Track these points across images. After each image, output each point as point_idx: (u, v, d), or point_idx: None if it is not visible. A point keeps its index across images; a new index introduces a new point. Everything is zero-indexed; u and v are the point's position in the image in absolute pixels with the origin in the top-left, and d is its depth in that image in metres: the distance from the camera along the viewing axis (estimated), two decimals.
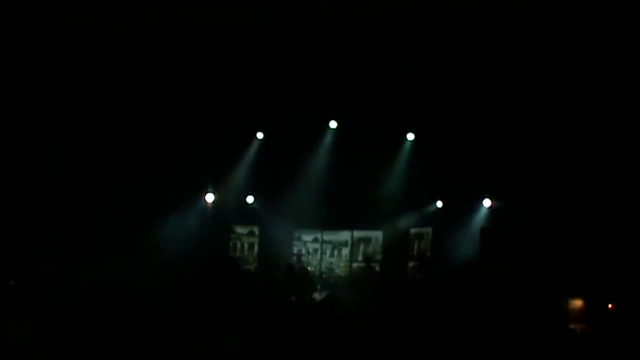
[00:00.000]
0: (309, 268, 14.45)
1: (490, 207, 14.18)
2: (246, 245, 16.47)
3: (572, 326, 8.97)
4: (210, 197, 15.41)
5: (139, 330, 3.96)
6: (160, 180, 13.65)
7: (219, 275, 3.08)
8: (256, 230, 16.34)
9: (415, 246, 15.41)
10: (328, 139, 15.69)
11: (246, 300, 3.59)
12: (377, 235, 16.10)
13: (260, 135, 15.75)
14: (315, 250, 16.21)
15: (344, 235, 16.42)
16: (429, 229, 15.11)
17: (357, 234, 16.36)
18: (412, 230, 15.49)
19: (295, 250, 15.91)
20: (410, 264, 15.14)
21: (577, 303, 11.30)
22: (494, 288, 7.86)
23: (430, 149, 14.20)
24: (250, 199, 16.05)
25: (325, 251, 16.43)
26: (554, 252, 12.53)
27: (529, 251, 12.75)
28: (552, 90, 11.79)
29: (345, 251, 16.43)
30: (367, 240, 16.34)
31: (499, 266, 12.60)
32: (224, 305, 3.02)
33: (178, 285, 7.24)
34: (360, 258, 15.82)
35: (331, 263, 16.34)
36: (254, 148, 15.91)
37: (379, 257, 15.76)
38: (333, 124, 15.49)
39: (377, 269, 14.46)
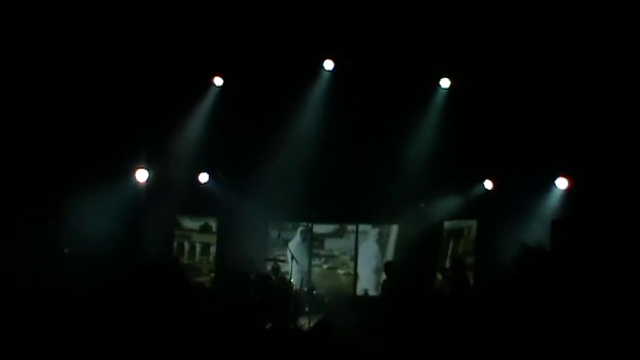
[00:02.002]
0: (292, 280, 14.48)
1: (566, 190, 14.13)
2: (198, 247, 16.66)
3: None
4: (142, 175, 15.43)
5: None
6: (68, 150, 13.98)
7: (156, 292, 3.01)
8: (213, 224, 16.72)
9: (450, 248, 15.55)
10: (321, 86, 15.84)
11: (198, 330, 3.31)
12: (391, 230, 16.32)
13: (218, 81, 15.89)
14: (302, 254, 16.37)
15: (344, 231, 16.73)
16: (472, 223, 15.20)
17: (364, 228, 16.67)
18: (447, 224, 15.72)
19: (271, 253, 16.11)
20: (440, 276, 15.14)
21: None
22: (573, 321, 7.79)
23: (475, 101, 14.26)
24: (203, 178, 16.19)
25: (317, 255, 16.75)
26: None
27: (624, 254, 12.43)
28: None
29: (346, 255, 16.73)
30: (378, 238, 16.62)
31: (581, 280, 11.88)
32: (161, 337, 2.96)
33: (90, 305, 7.67)
34: (369, 265, 16.12)
35: (325, 273, 16.68)
36: (208, 101, 16.05)
37: (391, 258, 15.85)
38: (328, 65, 15.59)
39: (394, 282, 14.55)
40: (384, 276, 14.70)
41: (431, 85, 15.45)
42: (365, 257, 16.57)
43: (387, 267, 14.58)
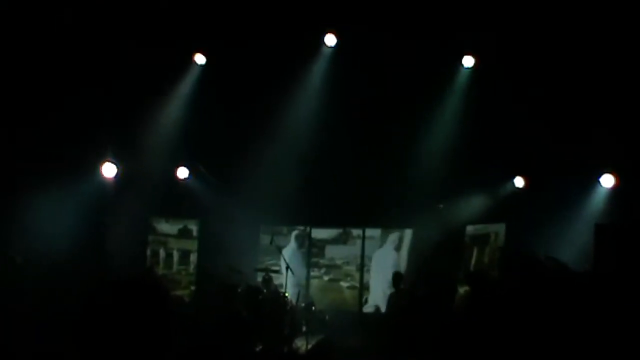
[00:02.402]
0: (286, 294, 14.27)
1: (613, 188, 13.97)
2: (175, 255, 16.53)
3: None
4: (110, 170, 15.39)
5: None
6: (20, 140, 13.93)
7: (126, 313, 2.88)
8: (193, 227, 16.64)
9: (474, 256, 15.22)
10: (321, 65, 15.70)
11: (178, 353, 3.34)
12: (404, 236, 16.08)
13: (200, 58, 15.72)
14: (298, 263, 16.27)
15: (348, 237, 16.54)
16: (500, 227, 15.00)
17: (371, 233, 16.41)
18: (470, 229, 15.47)
19: (263, 262, 15.91)
20: (462, 290, 14.62)
21: None
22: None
23: (504, 83, 14.01)
24: (182, 173, 15.99)
25: (317, 264, 16.59)
26: None
27: None
28: None
29: (350, 265, 16.48)
30: (397, 245, 16.32)
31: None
32: None
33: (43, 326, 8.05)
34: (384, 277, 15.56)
35: (326, 286, 16.50)
36: (188, 82, 15.97)
37: (404, 268, 15.66)
38: (330, 40, 15.37)
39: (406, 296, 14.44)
40: (391, 289, 14.56)
41: (451, 64, 15.21)
42: (380, 268, 16.14)
43: (396, 278, 14.28)
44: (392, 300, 14.09)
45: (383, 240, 16.48)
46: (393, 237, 16.38)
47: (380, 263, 16.33)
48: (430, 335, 11.87)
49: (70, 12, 13.83)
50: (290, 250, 16.44)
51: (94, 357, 2.86)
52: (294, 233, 16.80)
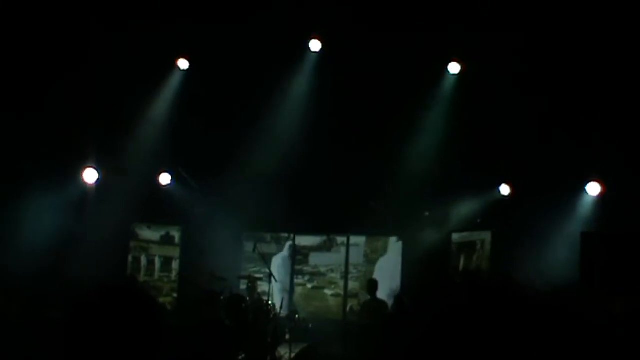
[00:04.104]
0: (270, 302, 14.33)
1: (599, 196, 13.94)
2: (157, 262, 16.52)
3: None
4: (91, 175, 15.36)
5: None
6: (3, 145, 13.90)
7: (115, 323, 2.83)
8: (176, 234, 16.64)
9: (461, 264, 15.26)
10: (306, 71, 15.74)
11: None
12: (390, 243, 16.08)
13: (183, 63, 15.77)
14: (282, 271, 16.34)
15: (333, 244, 16.56)
16: (486, 235, 15.04)
17: (356, 240, 16.43)
18: (456, 237, 15.52)
19: (246, 270, 15.90)
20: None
21: None
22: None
23: (490, 91, 13.96)
24: (164, 179, 16.15)
25: (300, 272, 16.60)
26: None
27: None
28: None
29: (334, 272, 16.48)
30: (372, 253, 16.31)
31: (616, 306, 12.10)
32: None
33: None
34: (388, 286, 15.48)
35: (310, 294, 16.54)
36: (171, 87, 15.97)
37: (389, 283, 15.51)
38: (315, 45, 15.46)
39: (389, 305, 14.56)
40: (364, 297, 14.73)
41: (438, 70, 15.17)
42: (383, 276, 15.78)
43: (371, 286, 14.40)
44: (365, 308, 14.13)
45: (398, 247, 16.23)
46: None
47: (384, 271, 16.15)
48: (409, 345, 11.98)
49: (53, 14, 13.65)
50: (273, 258, 16.38)
51: None
52: (279, 241, 16.71)
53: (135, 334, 2.88)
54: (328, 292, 16.53)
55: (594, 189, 14.00)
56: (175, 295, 16.22)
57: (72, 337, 2.84)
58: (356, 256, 16.42)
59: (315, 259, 16.71)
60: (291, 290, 16.43)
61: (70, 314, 2.87)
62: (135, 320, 2.91)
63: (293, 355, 13.00)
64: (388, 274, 16.00)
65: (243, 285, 15.19)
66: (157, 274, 16.42)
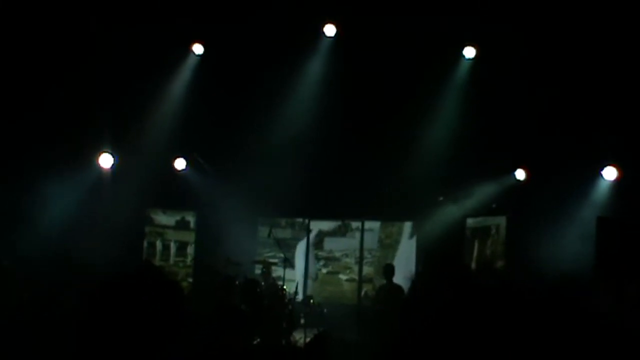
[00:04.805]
0: (284, 287, 14.30)
1: (615, 181, 13.83)
2: (173, 247, 16.54)
3: None
4: (107, 161, 15.41)
5: None
6: (20, 132, 13.88)
7: (143, 301, 2.92)
8: (191, 219, 16.63)
9: (475, 249, 15.24)
10: (320, 56, 15.67)
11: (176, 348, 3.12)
12: (405, 228, 16.03)
13: (198, 48, 15.71)
14: (297, 255, 16.44)
15: (347, 229, 16.54)
16: (501, 220, 14.98)
17: (370, 225, 16.41)
18: (470, 222, 15.48)
19: (261, 254, 16.03)
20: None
21: None
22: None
23: (505, 74, 13.83)
24: (180, 164, 16.13)
25: (315, 256, 16.67)
26: None
27: None
28: None
29: (349, 257, 16.47)
30: (387, 238, 16.28)
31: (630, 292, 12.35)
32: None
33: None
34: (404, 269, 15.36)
35: (325, 278, 16.59)
36: (186, 73, 15.91)
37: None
38: (329, 30, 15.40)
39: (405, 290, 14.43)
40: (379, 281, 14.74)
41: (453, 54, 15.12)
42: (399, 260, 15.82)
43: (387, 270, 14.30)
44: (381, 292, 14.12)
45: (399, 232, 16.26)
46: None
47: (401, 255, 16.19)
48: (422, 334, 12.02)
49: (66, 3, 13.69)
50: (288, 243, 16.43)
51: (105, 354, 2.87)
52: (293, 226, 16.75)
53: (158, 318, 2.94)
54: (343, 277, 16.58)
55: (610, 173, 13.89)
56: (190, 280, 16.22)
57: (94, 321, 2.88)
58: (370, 241, 16.43)
59: (330, 244, 16.73)
60: (306, 276, 16.43)
61: (93, 298, 2.91)
62: (158, 304, 2.96)
63: (308, 339, 12.79)
64: (403, 259, 15.96)
65: (258, 270, 15.20)
66: (172, 259, 16.44)
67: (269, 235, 15.45)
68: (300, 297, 14.88)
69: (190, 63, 15.76)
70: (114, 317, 2.88)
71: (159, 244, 16.44)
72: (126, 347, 2.87)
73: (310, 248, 16.70)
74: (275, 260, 15.28)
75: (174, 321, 3.02)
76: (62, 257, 13.11)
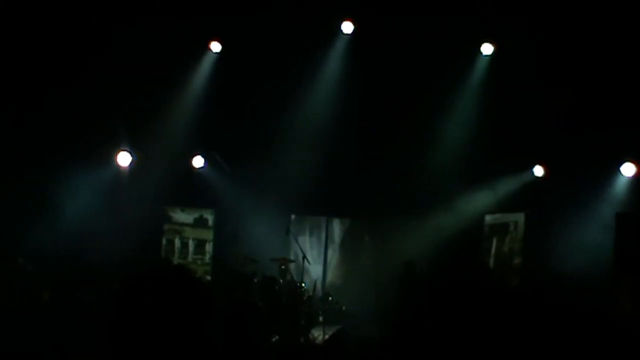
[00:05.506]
0: (302, 285, 14.24)
1: (633, 177, 13.90)
2: (191, 244, 16.54)
3: None
4: (125, 159, 15.50)
5: None
6: (40, 129, 13.90)
7: (172, 300, 2.86)
8: (209, 217, 16.59)
9: (494, 247, 15.22)
10: (338, 53, 15.65)
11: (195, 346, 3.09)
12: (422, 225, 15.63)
13: (216, 46, 15.73)
14: (315, 253, 16.42)
15: (366, 228, 16.55)
16: (519, 217, 14.94)
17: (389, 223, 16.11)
18: (488, 219, 15.42)
19: (279, 252, 15.70)
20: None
21: None
22: None
23: (523, 71, 13.88)
24: (198, 162, 16.14)
25: (334, 255, 16.58)
26: None
27: None
28: None
29: (369, 254, 16.39)
30: (401, 236, 15.90)
31: None
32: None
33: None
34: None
35: (343, 276, 16.49)
36: (204, 70, 15.92)
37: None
38: (347, 27, 15.36)
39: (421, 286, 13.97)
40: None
41: (471, 50, 15.15)
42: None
43: (408, 267, 13.99)
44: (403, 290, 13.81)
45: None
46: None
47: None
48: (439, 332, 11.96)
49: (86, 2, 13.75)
50: (307, 241, 16.39)
51: (134, 354, 2.84)
52: (312, 224, 16.72)
53: (187, 316, 2.90)
54: (360, 274, 16.43)
55: (628, 169, 13.88)
56: (208, 277, 16.09)
57: (124, 319, 2.85)
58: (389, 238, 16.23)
59: (347, 241, 16.67)
60: (324, 273, 16.41)
61: (122, 301, 2.87)
62: (187, 303, 2.92)
63: (326, 337, 13.00)
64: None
65: (276, 268, 14.99)
66: (190, 257, 16.39)
67: (287, 232, 15.43)
68: (319, 294, 14.79)
69: (208, 60, 15.69)
70: (145, 315, 2.87)
71: (177, 242, 16.42)
72: (157, 345, 2.86)
73: (329, 245, 16.62)
74: (293, 258, 15.24)
75: (202, 320, 2.99)
76: (80, 255, 13.17)
